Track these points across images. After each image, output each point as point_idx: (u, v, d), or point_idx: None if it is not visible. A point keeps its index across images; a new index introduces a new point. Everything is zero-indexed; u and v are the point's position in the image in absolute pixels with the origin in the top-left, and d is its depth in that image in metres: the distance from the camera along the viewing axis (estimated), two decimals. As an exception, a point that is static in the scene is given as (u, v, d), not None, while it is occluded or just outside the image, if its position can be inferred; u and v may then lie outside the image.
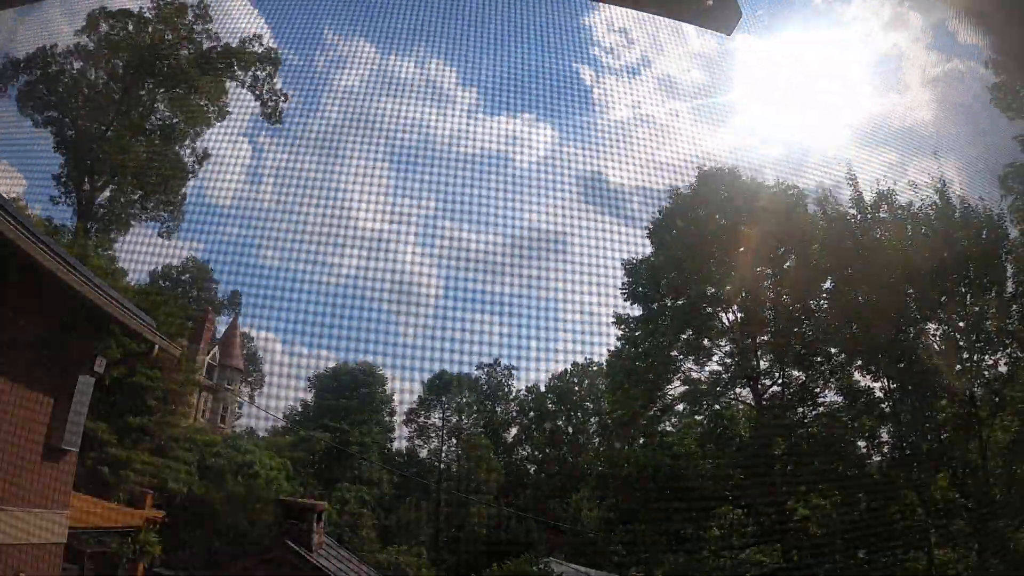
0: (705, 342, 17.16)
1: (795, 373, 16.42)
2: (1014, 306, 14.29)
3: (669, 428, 17.60)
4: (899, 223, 15.62)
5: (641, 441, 17.16)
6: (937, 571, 13.48)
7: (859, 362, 15.58)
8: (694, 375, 17.35)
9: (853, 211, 16.17)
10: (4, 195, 10.48)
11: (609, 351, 19.23)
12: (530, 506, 31.04)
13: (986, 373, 14.25)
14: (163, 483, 17.82)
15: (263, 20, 27.86)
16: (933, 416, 14.88)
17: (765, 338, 16.40)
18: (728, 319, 17.14)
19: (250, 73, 26.61)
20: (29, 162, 25.81)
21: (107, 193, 26.40)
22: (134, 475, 17.20)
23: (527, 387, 37.77)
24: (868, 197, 16.09)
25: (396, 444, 36.78)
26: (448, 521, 31.67)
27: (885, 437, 15.50)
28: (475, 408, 37.61)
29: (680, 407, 17.70)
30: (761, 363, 16.70)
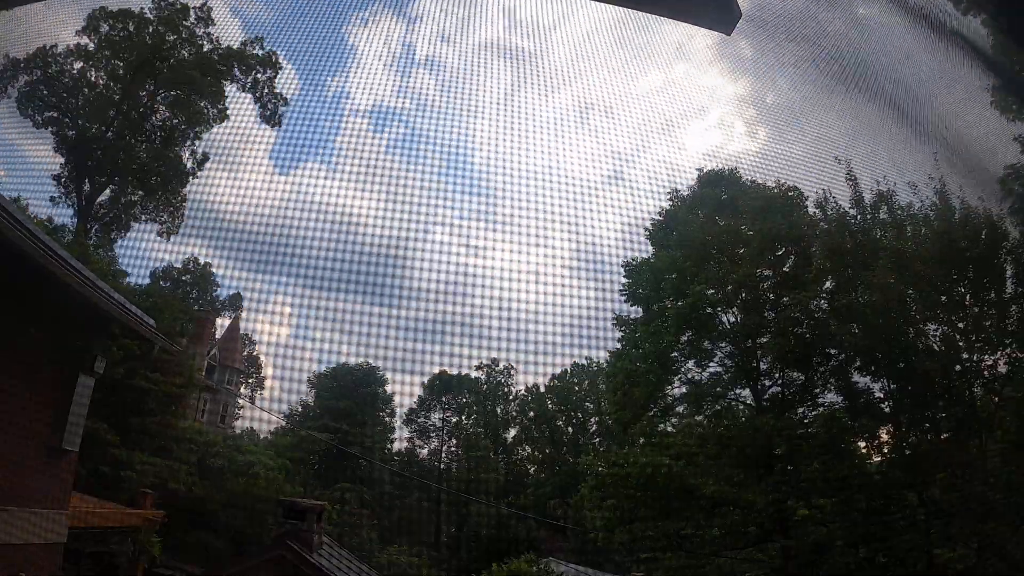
0: (705, 344, 17.18)
1: (795, 374, 16.44)
2: (1013, 307, 14.30)
3: (670, 429, 17.61)
4: (899, 224, 15.64)
5: (641, 441, 17.17)
6: (937, 571, 13.48)
7: (858, 363, 15.59)
8: (695, 376, 17.39)
9: (853, 212, 16.19)
10: (4, 195, 10.48)
11: (609, 352, 19.29)
12: (530, 506, 31.06)
13: (986, 373, 14.25)
14: (163, 483, 17.82)
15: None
16: (933, 416, 14.89)
17: (765, 339, 16.41)
18: (728, 320, 17.17)
19: (251, 76, 26.68)
20: (29, 162, 25.87)
21: (107, 193, 26.46)
22: (135, 475, 17.20)
23: (527, 387, 37.83)
24: (868, 198, 16.11)
25: (396, 444, 36.83)
26: (448, 521, 31.69)
27: (885, 437, 15.51)
28: (475, 408, 37.65)
29: (681, 408, 17.73)
30: (761, 364, 16.72)
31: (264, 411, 39.03)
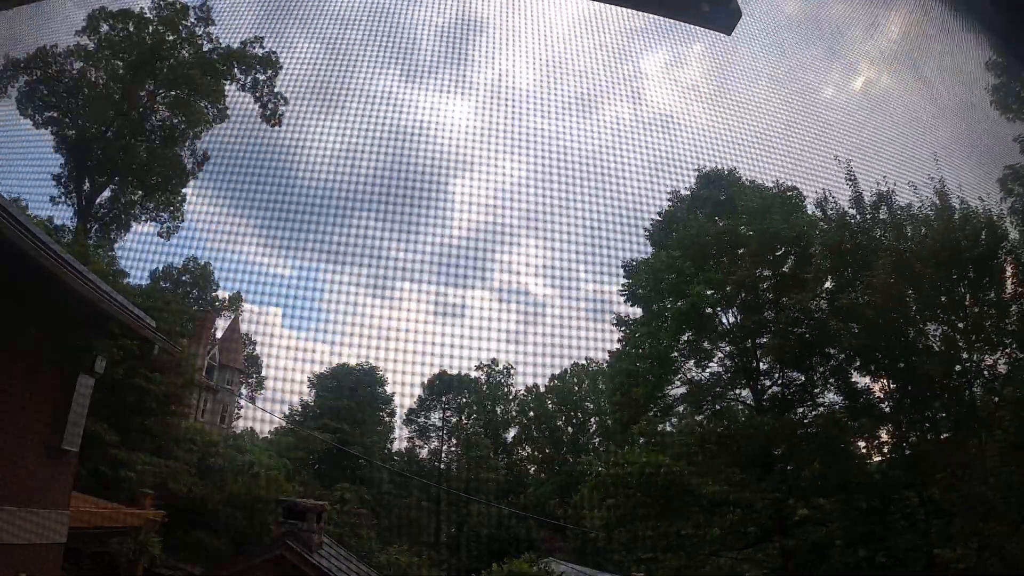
0: (705, 344, 17.17)
1: (795, 374, 16.43)
2: (1013, 307, 14.30)
3: (670, 428, 17.61)
4: (898, 224, 15.63)
5: (641, 441, 17.17)
6: (937, 571, 13.48)
7: (858, 363, 15.58)
8: (694, 376, 17.38)
9: (852, 211, 16.18)
10: (4, 195, 10.49)
11: (609, 352, 19.27)
12: (530, 506, 31.07)
13: (986, 373, 14.25)
14: (163, 483, 17.84)
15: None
16: (933, 416, 14.88)
17: (765, 339, 16.40)
18: (728, 320, 17.17)
19: (251, 76, 26.69)
20: (29, 162, 25.86)
21: (107, 193, 26.50)
22: (135, 475, 17.21)
23: (527, 387, 37.83)
24: (868, 198, 16.10)
25: (396, 444, 36.85)
26: (448, 521, 31.70)
27: (885, 437, 15.51)
28: (475, 408, 37.65)
29: (680, 408, 17.72)
30: (761, 364, 16.71)
31: (264, 411, 39.06)
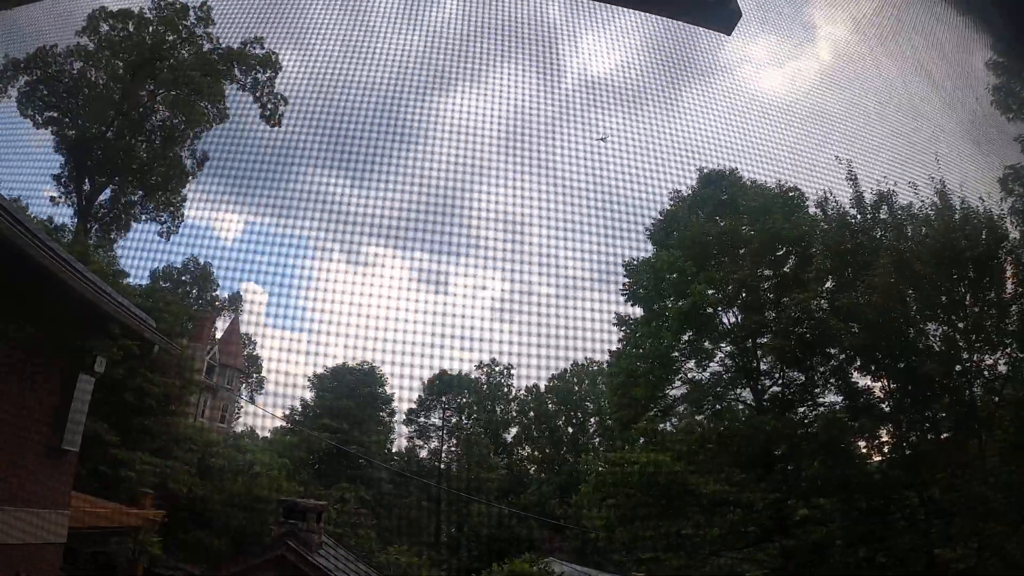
0: (706, 343, 17.17)
1: (795, 374, 16.44)
2: (1013, 307, 14.30)
3: (670, 428, 17.61)
4: (899, 224, 15.64)
5: (642, 441, 17.18)
6: (937, 571, 13.48)
7: (859, 363, 15.59)
8: (695, 376, 17.39)
9: (853, 211, 16.20)
10: (4, 195, 10.48)
11: (610, 351, 19.30)
12: (530, 506, 31.09)
13: (986, 373, 14.25)
14: (163, 483, 17.83)
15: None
16: (933, 416, 14.89)
17: (765, 339, 16.41)
18: (729, 320, 17.17)
19: (251, 76, 26.69)
20: (29, 162, 25.87)
21: (107, 193, 26.51)
22: (135, 475, 17.21)
23: (527, 387, 37.83)
24: (868, 198, 16.11)
25: (396, 444, 36.82)
26: (448, 521, 31.71)
27: (885, 437, 15.51)
28: (475, 408, 37.64)
29: (681, 408, 17.74)
30: (762, 364, 16.72)
31: (264, 411, 39.08)
